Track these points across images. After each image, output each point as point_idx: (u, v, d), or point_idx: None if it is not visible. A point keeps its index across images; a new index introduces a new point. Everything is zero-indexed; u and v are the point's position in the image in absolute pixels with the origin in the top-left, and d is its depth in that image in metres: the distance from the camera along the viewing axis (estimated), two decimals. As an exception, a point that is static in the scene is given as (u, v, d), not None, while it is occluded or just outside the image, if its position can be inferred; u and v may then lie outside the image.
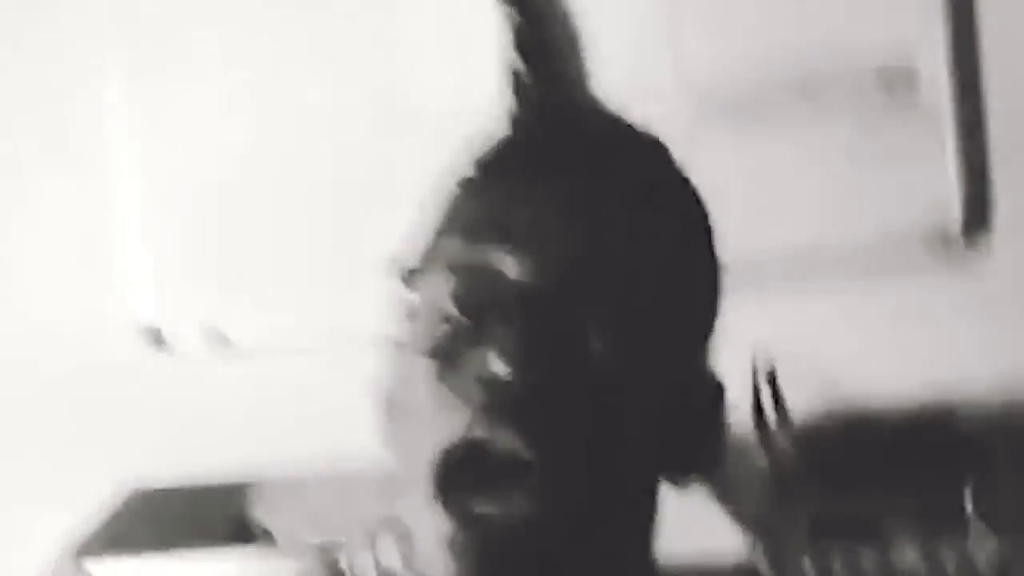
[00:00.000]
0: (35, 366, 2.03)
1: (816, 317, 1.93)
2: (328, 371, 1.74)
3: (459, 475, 0.63)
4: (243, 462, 1.89)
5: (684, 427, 0.68)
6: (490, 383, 0.62)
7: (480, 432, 0.63)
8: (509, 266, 0.64)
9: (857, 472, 1.67)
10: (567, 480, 0.63)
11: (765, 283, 1.87)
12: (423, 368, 0.65)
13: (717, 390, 0.71)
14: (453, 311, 0.65)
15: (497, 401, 0.62)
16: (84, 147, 2.03)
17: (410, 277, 0.69)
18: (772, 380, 1.83)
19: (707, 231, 0.72)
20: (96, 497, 1.86)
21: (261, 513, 1.75)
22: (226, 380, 1.98)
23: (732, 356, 1.89)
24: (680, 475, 0.70)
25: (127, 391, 2.01)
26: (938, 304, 1.94)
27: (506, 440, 0.62)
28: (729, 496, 1.64)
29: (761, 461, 1.74)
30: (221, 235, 1.98)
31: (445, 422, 0.63)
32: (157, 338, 2.01)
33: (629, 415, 0.65)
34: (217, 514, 1.76)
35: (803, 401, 1.86)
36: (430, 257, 0.68)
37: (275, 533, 1.68)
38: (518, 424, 0.62)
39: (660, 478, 0.69)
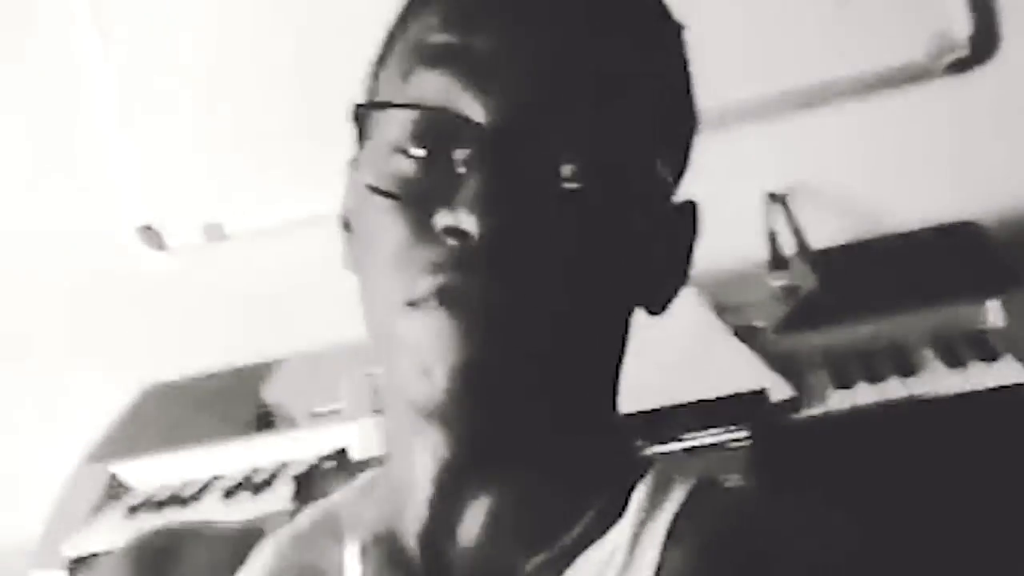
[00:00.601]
0: (35, 277, 2.01)
1: (831, 144, 1.88)
2: (326, 246, 1.70)
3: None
4: (254, 347, 1.88)
5: (660, 256, 0.65)
6: (459, 233, 0.59)
7: (449, 281, 0.59)
8: (471, 106, 0.60)
9: (879, 294, 1.62)
10: (541, 320, 0.60)
11: (779, 115, 1.83)
12: (383, 209, 0.62)
13: (691, 214, 0.68)
14: (413, 148, 0.61)
15: (467, 251, 0.59)
16: (50, 51, 2.00)
17: (365, 114, 0.64)
18: (786, 207, 1.79)
19: (679, 54, 0.67)
20: (114, 400, 1.85)
21: (277, 394, 1.74)
22: (226, 271, 1.96)
23: (748, 187, 1.83)
24: (655, 301, 0.67)
25: (131, 293, 2.00)
26: (954, 120, 1.87)
27: (478, 287, 0.59)
28: (747, 327, 1.60)
29: (779, 288, 1.70)
30: (203, 127, 1.94)
31: (411, 270, 0.60)
32: (155, 239, 1.99)
33: (603, 248, 0.61)
34: (236, 401, 1.75)
35: (823, 227, 1.81)
36: (384, 92, 0.64)
37: (291, 412, 1.67)
38: (490, 271, 0.59)
39: (632, 306, 0.66)
